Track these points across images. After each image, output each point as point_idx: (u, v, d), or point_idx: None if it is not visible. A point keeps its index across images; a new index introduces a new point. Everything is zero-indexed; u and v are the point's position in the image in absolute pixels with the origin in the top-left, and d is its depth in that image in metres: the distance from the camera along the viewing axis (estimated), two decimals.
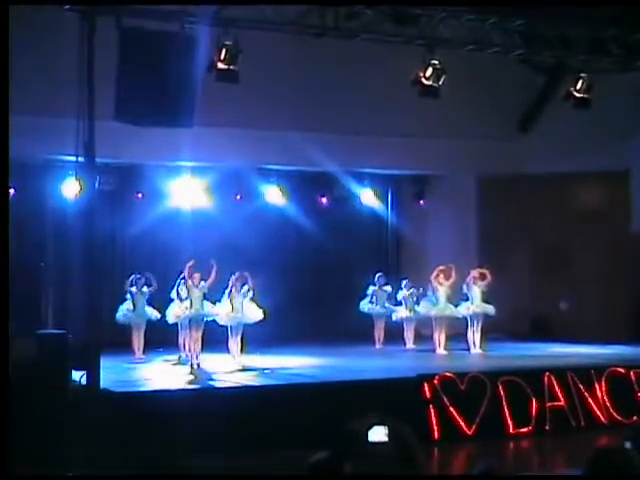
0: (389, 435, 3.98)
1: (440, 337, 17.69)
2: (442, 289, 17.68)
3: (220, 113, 16.06)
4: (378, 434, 4.00)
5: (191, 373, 14.66)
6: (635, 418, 14.31)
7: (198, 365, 15.09)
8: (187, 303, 15.44)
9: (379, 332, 18.52)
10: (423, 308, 18.04)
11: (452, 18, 14.85)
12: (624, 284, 19.72)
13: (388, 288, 18.48)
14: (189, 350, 15.32)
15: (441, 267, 17.88)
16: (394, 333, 18.72)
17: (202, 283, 15.34)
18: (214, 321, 15.68)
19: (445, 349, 17.61)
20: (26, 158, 16.82)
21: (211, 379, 14.09)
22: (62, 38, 13.28)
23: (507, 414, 13.72)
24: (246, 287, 15.83)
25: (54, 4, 12.98)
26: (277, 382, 13.78)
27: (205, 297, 15.43)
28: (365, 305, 18.54)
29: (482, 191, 21.32)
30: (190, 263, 15.38)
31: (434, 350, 17.61)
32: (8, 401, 9.94)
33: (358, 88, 17.66)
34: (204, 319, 15.43)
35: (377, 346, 18.40)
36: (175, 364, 15.65)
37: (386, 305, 18.44)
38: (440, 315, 17.74)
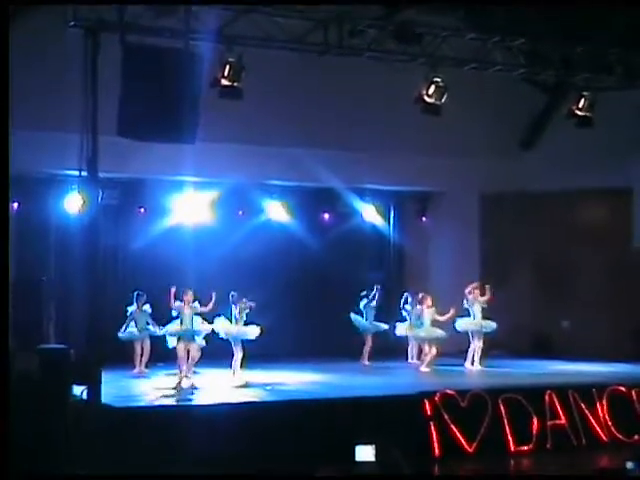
0: (376, 455, 3.98)
1: (427, 356, 17.60)
2: (427, 312, 17.66)
3: (223, 129, 16.12)
4: (365, 454, 3.99)
5: (174, 388, 14.60)
6: (636, 437, 14.31)
7: (187, 377, 14.93)
8: (178, 322, 15.27)
9: (367, 348, 18.47)
10: (409, 329, 18.03)
11: (455, 37, 14.93)
12: (626, 302, 19.71)
13: (373, 303, 18.45)
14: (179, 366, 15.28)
15: (422, 294, 17.87)
16: (394, 349, 18.71)
17: (196, 304, 15.25)
18: (218, 337, 15.62)
19: (429, 367, 17.46)
20: (29, 172, 16.89)
21: (190, 398, 13.92)
22: (66, 54, 13.34)
23: (508, 432, 13.69)
24: (244, 309, 15.64)
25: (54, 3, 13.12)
26: (278, 399, 13.77)
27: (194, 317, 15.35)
28: (356, 319, 18.53)
29: (484, 208, 21.31)
30: (173, 290, 15.19)
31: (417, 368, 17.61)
32: (9, 415, 9.97)
33: (361, 105, 17.73)
34: (194, 336, 15.27)
35: (364, 362, 18.32)
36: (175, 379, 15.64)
37: (374, 322, 18.44)
38: (423, 337, 17.75)
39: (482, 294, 17.74)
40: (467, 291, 17.65)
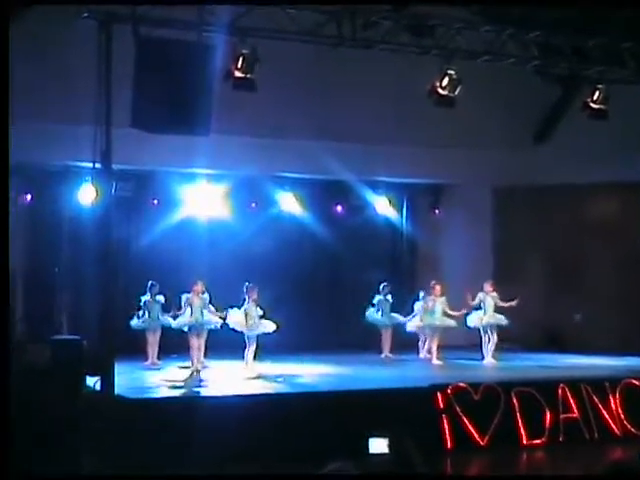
0: (390, 447, 3.96)
1: (433, 347, 17.72)
2: (439, 301, 17.73)
3: (236, 121, 16.12)
4: (379, 446, 3.97)
5: (188, 379, 14.74)
6: None
7: (198, 371, 15.22)
8: (188, 311, 15.59)
9: (385, 342, 18.43)
10: (422, 321, 18.05)
11: (469, 29, 14.88)
12: (638, 295, 19.65)
13: (390, 297, 18.40)
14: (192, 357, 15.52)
15: (433, 282, 17.96)
16: (406, 342, 18.71)
17: (205, 295, 15.51)
18: (231, 329, 15.71)
19: (441, 359, 17.57)
20: (43, 164, 16.95)
21: (203, 390, 14.12)
22: (80, 46, 13.37)
23: (521, 425, 13.68)
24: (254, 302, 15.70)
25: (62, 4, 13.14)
26: (290, 390, 13.78)
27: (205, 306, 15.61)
28: (371, 315, 18.48)
29: (497, 201, 21.29)
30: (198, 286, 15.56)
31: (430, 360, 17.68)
32: (21, 406, 10.00)
33: (374, 97, 17.71)
34: (204, 327, 15.59)
35: (382, 355, 18.30)
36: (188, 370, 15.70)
37: (391, 315, 18.39)
38: (437, 326, 17.80)
39: (494, 290, 17.78)
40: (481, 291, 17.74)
